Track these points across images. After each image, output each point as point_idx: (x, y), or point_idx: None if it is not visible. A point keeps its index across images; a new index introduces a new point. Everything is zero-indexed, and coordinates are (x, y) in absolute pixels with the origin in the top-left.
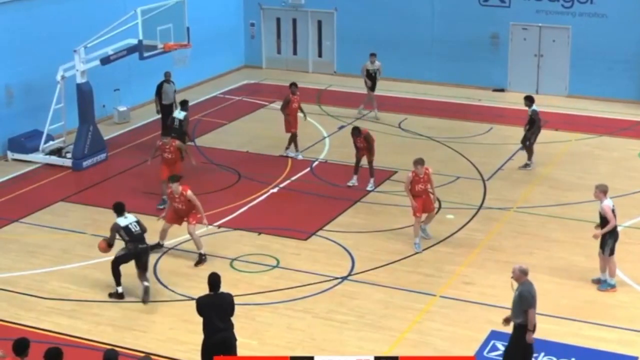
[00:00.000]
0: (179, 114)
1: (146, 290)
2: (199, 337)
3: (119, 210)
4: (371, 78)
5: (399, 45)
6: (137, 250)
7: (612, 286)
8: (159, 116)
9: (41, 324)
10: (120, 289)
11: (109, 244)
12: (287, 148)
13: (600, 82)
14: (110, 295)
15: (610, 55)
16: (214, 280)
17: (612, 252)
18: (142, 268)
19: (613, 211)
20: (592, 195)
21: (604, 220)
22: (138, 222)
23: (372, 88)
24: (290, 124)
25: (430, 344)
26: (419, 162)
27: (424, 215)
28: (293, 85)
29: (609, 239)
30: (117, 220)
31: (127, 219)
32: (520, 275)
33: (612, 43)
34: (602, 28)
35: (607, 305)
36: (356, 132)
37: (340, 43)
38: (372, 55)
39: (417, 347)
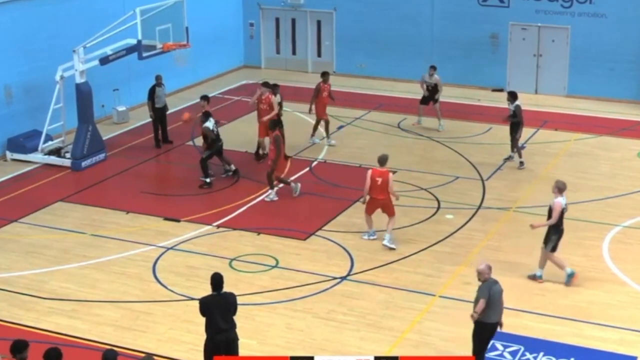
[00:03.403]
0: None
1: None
2: (199, 337)
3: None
4: (428, 90)
5: (398, 45)
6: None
7: (540, 277)
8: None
9: (41, 324)
10: (209, 180)
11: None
12: (313, 136)
13: (599, 82)
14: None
15: (609, 55)
16: (217, 280)
17: (554, 249)
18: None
19: (563, 211)
20: (592, 195)
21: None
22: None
23: (424, 100)
24: (320, 112)
25: (431, 344)
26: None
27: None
28: (325, 74)
29: (552, 235)
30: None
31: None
32: (488, 273)
33: (611, 43)
34: (601, 28)
35: (607, 305)
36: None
37: (340, 43)
38: (431, 67)
39: (418, 347)
